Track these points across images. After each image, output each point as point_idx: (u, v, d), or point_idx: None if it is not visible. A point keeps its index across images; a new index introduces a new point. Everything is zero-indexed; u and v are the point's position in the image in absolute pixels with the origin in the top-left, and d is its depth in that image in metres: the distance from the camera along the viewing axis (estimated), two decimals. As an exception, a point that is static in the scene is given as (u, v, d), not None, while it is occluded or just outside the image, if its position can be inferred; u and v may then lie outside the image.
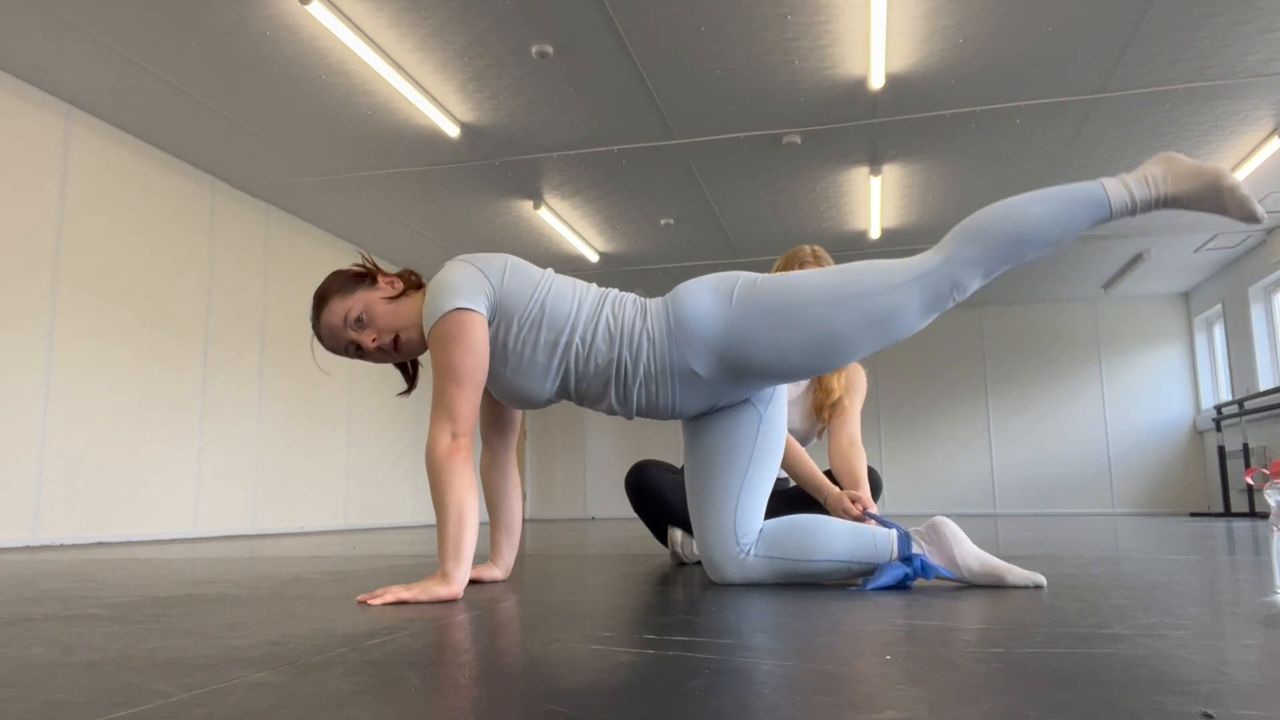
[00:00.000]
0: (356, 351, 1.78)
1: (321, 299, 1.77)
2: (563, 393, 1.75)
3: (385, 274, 1.82)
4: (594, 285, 1.78)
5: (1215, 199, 1.50)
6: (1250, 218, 1.48)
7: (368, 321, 1.75)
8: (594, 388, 1.71)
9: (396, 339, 1.77)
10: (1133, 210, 1.54)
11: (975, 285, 1.58)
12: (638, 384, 1.69)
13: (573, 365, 1.69)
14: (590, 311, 1.70)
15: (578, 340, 1.68)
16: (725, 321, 1.64)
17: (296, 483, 6.53)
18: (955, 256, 1.57)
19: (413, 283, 1.84)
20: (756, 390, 1.76)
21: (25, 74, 4.47)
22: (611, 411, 1.75)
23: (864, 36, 4.25)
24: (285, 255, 6.54)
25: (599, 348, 1.68)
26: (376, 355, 1.79)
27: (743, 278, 1.70)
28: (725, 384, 1.70)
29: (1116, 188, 1.54)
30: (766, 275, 1.70)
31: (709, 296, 1.67)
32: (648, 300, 1.75)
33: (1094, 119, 5.20)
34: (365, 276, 1.80)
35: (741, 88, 4.76)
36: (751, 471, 1.77)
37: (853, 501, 2.21)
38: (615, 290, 1.78)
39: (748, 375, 1.68)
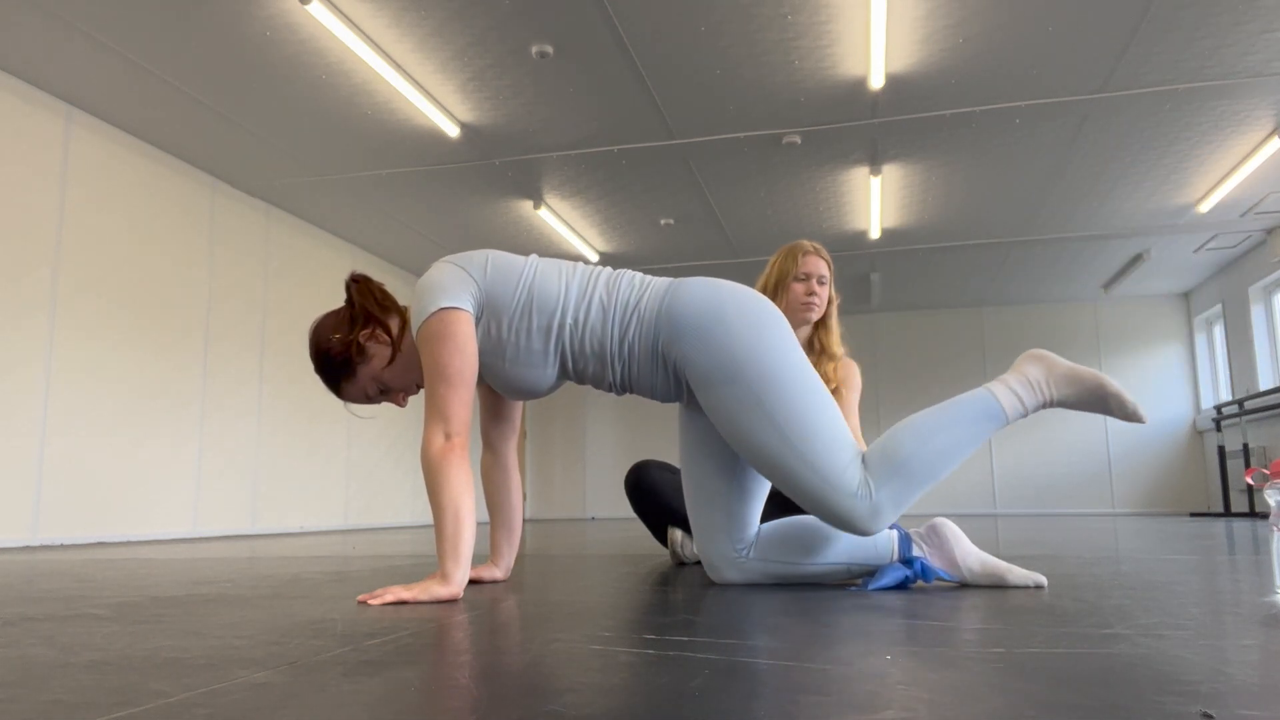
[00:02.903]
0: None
1: (334, 388, 1.79)
2: (563, 375, 1.74)
3: (367, 329, 1.75)
4: (581, 264, 1.76)
5: (1100, 404, 1.57)
6: (1133, 419, 1.56)
7: (386, 389, 1.80)
8: (592, 366, 1.70)
9: (418, 382, 1.81)
10: (1024, 414, 1.61)
11: (890, 517, 1.59)
12: (623, 360, 1.68)
13: (569, 345, 1.68)
14: (580, 290, 1.69)
15: (570, 320, 1.67)
16: (702, 351, 1.63)
17: (296, 483, 6.53)
18: (880, 495, 1.57)
19: (398, 317, 1.79)
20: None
21: (25, 74, 4.47)
22: (611, 388, 1.75)
23: (864, 36, 4.25)
24: (285, 255, 6.54)
25: (593, 325, 1.67)
26: (412, 394, 1.85)
27: (749, 328, 1.63)
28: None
29: (1008, 398, 1.59)
30: (765, 344, 1.63)
31: (710, 319, 1.64)
32: (652, 279, 1.74)
33: (1094, 119, 5.20)
34: (353, 347, 1.74)
35: (741, 88, 4.76)
36: (744, 470, 1.76)
37: None
38: (609, 268, 1.77)
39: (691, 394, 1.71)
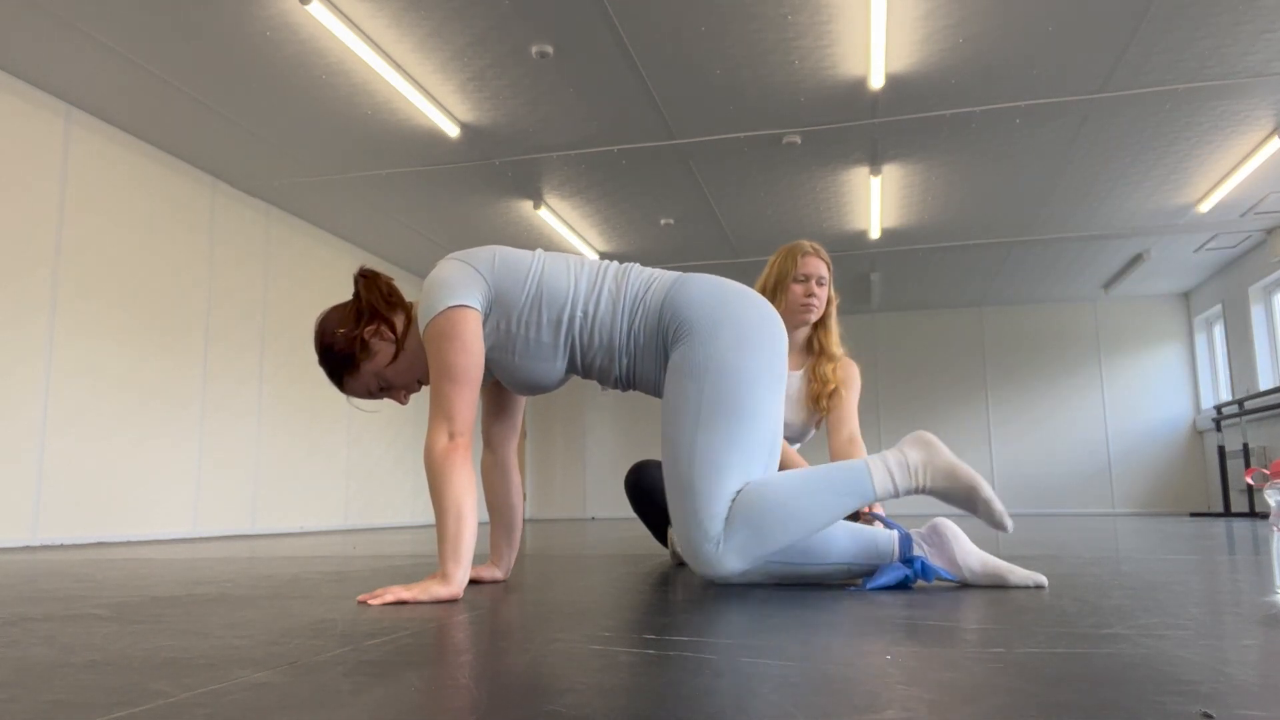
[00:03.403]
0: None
1: (337, 381, 1.79)
2: (572, 369, 1.74)
3: (371, 325, 1.74)
4: (589, 259, 1.77)
5: (969, 504, 1.58)
6: (998, 528, 1.57)
7: (387, 386, 1.80)
8: (600, 359, 1.70)
9: (420, 379, 1.81)
10: (894, 495, 1.61)
11: (734, 567, 1.59)
12: (629, 353, 1.69)
13: (578, 338, 1.68)
14: (589, 283, 1.70)
15: (579, 313, 1.67)
16: (687, 344, 1.63)
17: (296, 483, 6.53)
18: (727, 547, 1.58)
19: (404, 314, 1.78)
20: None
21: (25, 74, 4.47)
22: (616, 383, 1.75)
23: (864, 36, 4.25)
24: (285, 255, 6.55)
25: (602, 317, 1.68)
26: (414, 391, 1.85)
27: (736, 340, 1.63)
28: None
29: (882, 480, 1.59)
30: (741, 362, 1.63)
31: (706, 318, 1.63)
32: (660, 272, 1.74)
33: (1094, 119, 5.20)
34: (357, 343, 1.74)
35: (741, 88, 4.76)
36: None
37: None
38: (616, 262, 1.78)
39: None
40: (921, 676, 0.83)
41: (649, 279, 1.72)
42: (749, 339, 1.64)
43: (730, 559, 1.59)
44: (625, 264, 1.76)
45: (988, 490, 1.57)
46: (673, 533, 2.45)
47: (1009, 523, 1.57)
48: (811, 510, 1.59)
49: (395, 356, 1.77)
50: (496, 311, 1.67)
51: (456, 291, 1.63)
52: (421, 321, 1.65)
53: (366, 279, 1.78)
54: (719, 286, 1.69)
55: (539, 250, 1.76)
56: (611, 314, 1.68)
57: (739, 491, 1.60)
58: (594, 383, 2.00)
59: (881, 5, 3.95)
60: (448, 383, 1.59)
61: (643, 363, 1.71)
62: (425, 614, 1.35)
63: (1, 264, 4.33)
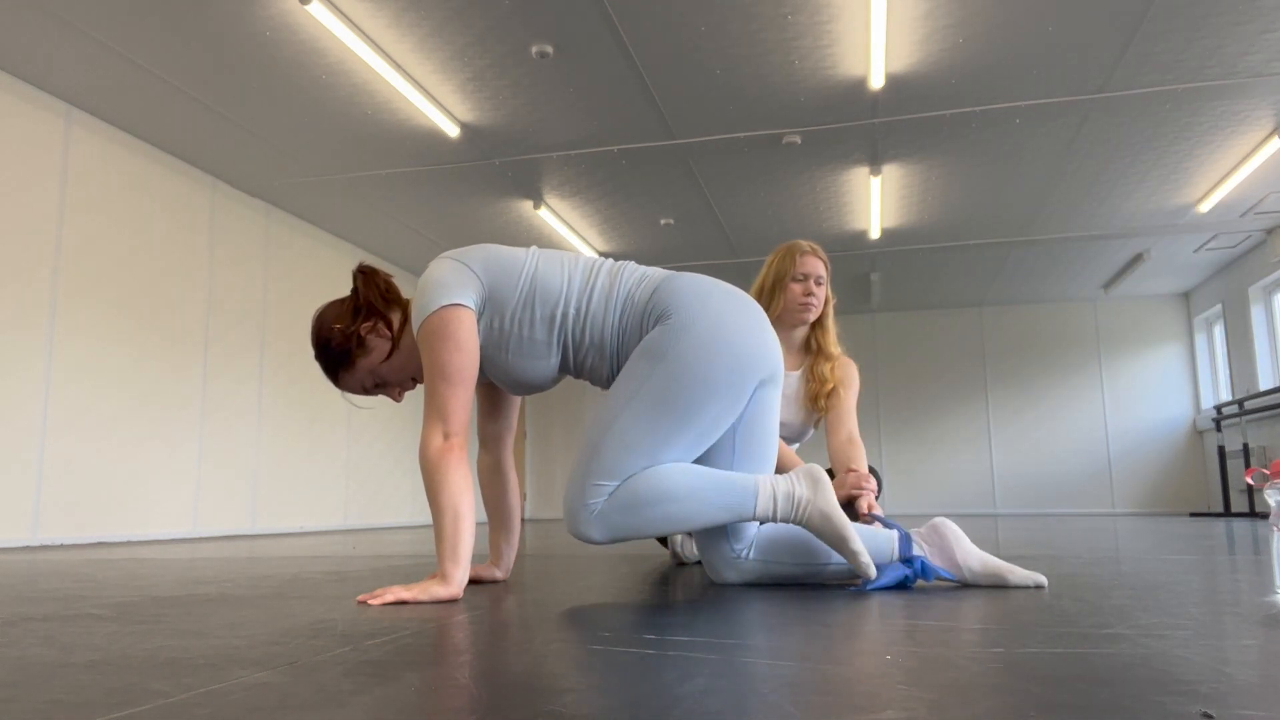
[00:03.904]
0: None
1: (332, 377, 1.80)
2: (564, 368, 1.74)
3: (369, 322, 1.76)
4: (582, 255, 1.76)
5: (839, 549, 1.62)
6: (864, 576, 1.61)
7: (382, 383, 1.80)
8: (591, 357, 1.70)
9: (414, 377, 1.82)
10: (771, 520, 1.63)
11: (597, 537, 1.60)
12: (622, 352, 1.68)
13: (571, 335, 1.68)
14: (583, 280, 1.69)
15: (573, 310, 1.67)
16: (660, 331, 1.63)
17: (296, 483, 6.53)
18: (603, 511, 1.59)
19: (401, 312, 1.79)
20: None
21: (25, 74, 4.47)
22: (609, 383, 1.74)
23: (864, 36, 4.25)
24: (285, 255, 6.54)
25: (594, 314, 1.67)
26: (408, 389, 1.86)
27: (707, 340, 1.62)
28: None
29: (765, 504, 1.61)
30: (702, 367, 1.62)
31: (685, 312, 1.63)
32: (652, 270, 1.74)
33: (1094, 119, 5.20)
34: (353, 339, 1.75)
35: (741, 88, 4.76)
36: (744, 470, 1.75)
37: (856, 489, 2.21)
38: (610, 260, 1.77)
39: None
40: (921, 676, 0.83)
41: (641, 276, 1.71)
42: (718, 342, 1.61)
43: (596, 528, 1.60)
44: (620, 262, 1.75)
45: (858, 544, 1.60)
46: (673, 533, 2.45)
47: (874, 572, 1.61)
48: (688, 513, 1.59)
49: (391, 353, 1.77)
50: (490, 309, 1.66)
51: (451, 290, 1.62)
52: (416, 321, 1.64)
53: (365, 275, 1.79)
54: (709, 284, 1.68)
55: (533, 247, 1.76)
56: (603, 311, 1.67)
57: (634, 474, 1.60)
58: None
59: (881, 5, 3.95)
60: (442, 382, 1.59)
61: (628, 359, 1.70)
62: (425, 614, 1.35)
63: (1, 264, 4.33)
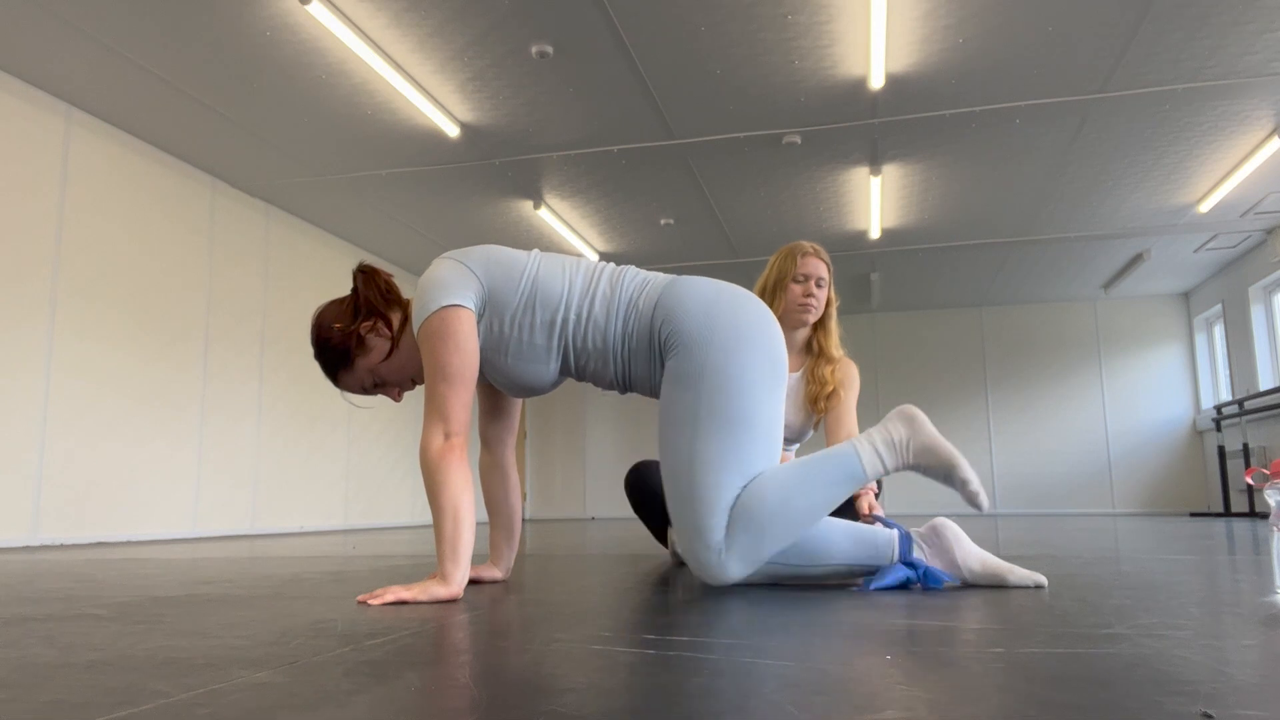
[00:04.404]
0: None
1: (332, 376, 1.81)
2: (565, 372, 1.74)
3: (368, 321, 1.76)
4: (584, 259, 1.76)
5: (947, 480, 1.61)
6: (972, 503, 1.58)
7: (382, 383, 1.80)
8: (593, 362, 1.69)
9: (414, 378, 1.82)
10: (885, 473, 1.63)
11: (738, 573, 1.59)
12: (624, 357, 1.68)
13: (571, 340, 1.67)
14: (584, 285, 1.69)
15: (573, 315, 1.66)
16: (682, 350, 1.62)
17: (296, 483, 6.53)
18: (730, 555, 1.58)
19: (401, 312, 1.79)
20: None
21: (25, 74, 4.47)
22: (612, 385, 1.74)
23: (864, 36, 4.25)
24: (285, 255, 6.54)
25: (596, 319, 1.66)
26: (407, 389, 1.86)
27: (732, 342, 1.62)
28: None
29: (871, 460, 1.61)
30: (736, 366, 1.62)
31: (700, 321, 1.62)
32: (654, 275, 1.74)
33: (1094, 119, 5.20)
34: (353, 339, 1.75)
35: (741, 88, 4.76)
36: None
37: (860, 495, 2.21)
38: (612, 264, 1.77)
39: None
40: (921, 676, 0.83)
41: (643, 282, 1.71)
42: (743, 342, 1.63)
43: (733, 566, 1.59)
44: (621, 266, 1.75)
45: (966, 469, 1.58)
46: (673, 533, 2.45)
47: (984, 501, 1.58)
48: (808, 507, 1.59)
49: (390, 353, 1.77)
50: (490, 312, 1.66)
51: (451, 291, 1.62)
52: (416, 321, 1.64)
53: (365, 274, 1.79)
54: (711, 289, 1.68)
55: (535, 250, 1.75)
56: (605, 317, 1.66)
57: (737, 497, 1.60)
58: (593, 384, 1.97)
59: (881, 5, 3.95)
60: (442, 383, 1.59)
61: (637, 366, 1.70)
62: (425, 614, 1.35)
63: (1, 264, 4.33)
